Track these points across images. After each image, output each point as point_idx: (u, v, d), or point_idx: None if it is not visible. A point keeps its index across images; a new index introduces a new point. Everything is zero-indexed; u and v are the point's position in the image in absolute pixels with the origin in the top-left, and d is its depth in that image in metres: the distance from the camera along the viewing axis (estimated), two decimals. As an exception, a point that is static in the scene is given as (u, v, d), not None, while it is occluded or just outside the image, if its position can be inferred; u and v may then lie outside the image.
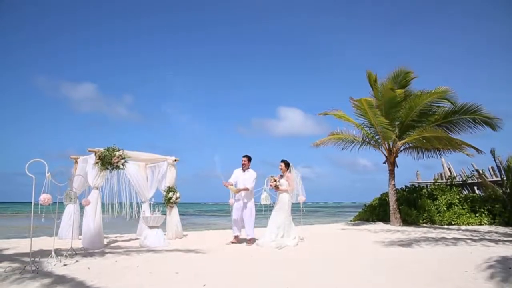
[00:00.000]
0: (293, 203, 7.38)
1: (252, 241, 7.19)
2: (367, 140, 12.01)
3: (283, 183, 7.18)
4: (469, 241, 7.28)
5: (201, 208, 52.21)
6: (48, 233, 8.24)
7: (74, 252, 5.63)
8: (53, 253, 5.05)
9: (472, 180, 13.09)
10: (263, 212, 7.72)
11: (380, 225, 11.54)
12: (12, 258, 5.38)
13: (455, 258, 5.35)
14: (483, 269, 4.43)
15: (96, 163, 6.89)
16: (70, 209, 7.76)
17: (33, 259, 4.67)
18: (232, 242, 7.34)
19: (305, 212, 8.38)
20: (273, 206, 7.35)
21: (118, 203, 8.17)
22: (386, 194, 12.46)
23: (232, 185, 7.28)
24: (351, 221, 14.24)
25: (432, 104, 11.19)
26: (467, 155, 10.73)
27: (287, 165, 7.34)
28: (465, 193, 12.82)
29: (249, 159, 7.48)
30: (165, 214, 8.02)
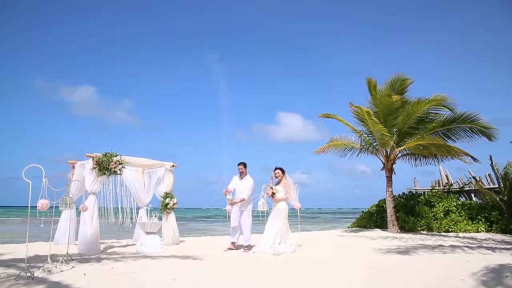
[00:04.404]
0: (289, 209, 7.38)
1: (248, 247, 7.17)
2: (365, 146, 12.05)
3: (280, 189, 7.19)
4: (466, 248, 7.28)
5: (199, 213, 52.01)
6: (44, 238, 8.19)
7: (70, 258, 5.60)
8: (49, 258, 5.03)
9: (469, 187, 13.13)
10: (260, 219, 7.71)
11: (377, 232, 11.53)
12: (7, 263, 5.35)
13: (452, 266, 5.36)
14: (479, 277, 4.43)
15: (94, 168, 6.88)
16: (67, 214, 7.73)
17: (28, 265, 4.64)
18: (229, 249, 7.32)
19: (301, 218, 8.37)
20: (270, 213, 7.34)
21: (115, 208, 8.14)
22: (384, 200, 12.46)
23: (230, 192, 7.29)
24: (349, 227, 14.22)
25: (430, 111, 11.27)
26: (465, 162, 10.78)
27: (283, 171, 7.37)
28: (462, 200, 12.85)
29: (245, 166, 7.49)
30: (162, 220, 7.99)
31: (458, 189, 13.32)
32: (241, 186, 7.33)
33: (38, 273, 4.52)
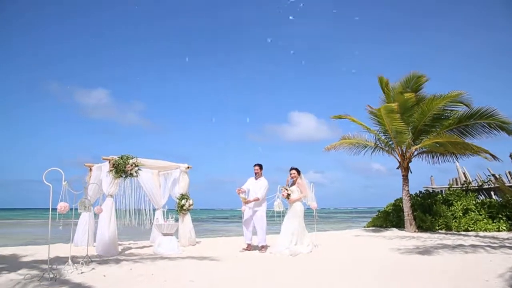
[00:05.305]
0: (305, 209, 7.34)
1: (264, 248, 7.15)
2: (380, 145, 11.88)
3: (294, 189, 7.16)
4: (488, 248, 7.10)
5: (215, 214, 52.25)
6: (64, 240, 8.35)
7: (90, 260, 5.68)
8: (69, 260, 5.11)
9: (488, 185, 12.80)
10: (275, 219, 7.69)
11: (394, 232, 11.36)
12: (30, 265, 5.46)
13: (474, 266, 5.22)
14: (506, 278, 4.31)
15: (110, 171, 6.98)
16: (85, 217, 7.86)
17: (51, 266, 4.73)
18: (245, 249, 7.31)
19: (318, 219, 8.30)
20: (286, 213, 7.32)
21: (132, 210, 8.25)
22: (400, 199, 12.27)
23: (244, 192, 7.29)
24: (365, 227, 14.06)
25: (446, 108, 11.04)
26: (486, 159, 10.47)
27: (298, 172, 7.34)
28: (481, 198, 12.54)
29: (261, 167, 7.48)
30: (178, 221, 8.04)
31: (476, 187, 13.01)
32: (256, 187, 7.32)
33: (60, 275, 4.61)
